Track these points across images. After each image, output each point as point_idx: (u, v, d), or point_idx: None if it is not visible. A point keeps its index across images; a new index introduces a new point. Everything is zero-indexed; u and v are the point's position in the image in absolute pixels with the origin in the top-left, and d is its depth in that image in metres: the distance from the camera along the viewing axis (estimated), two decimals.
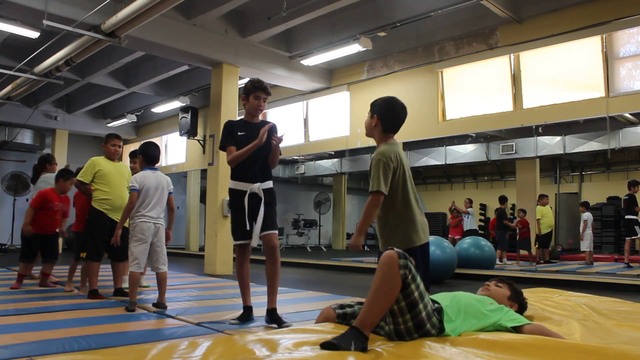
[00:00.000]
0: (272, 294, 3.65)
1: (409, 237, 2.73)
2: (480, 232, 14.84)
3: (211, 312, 4.08)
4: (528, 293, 3.63)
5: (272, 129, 3.63)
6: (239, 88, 9.18)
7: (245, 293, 3.77)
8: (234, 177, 3.72)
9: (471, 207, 11.47)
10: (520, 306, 2.90)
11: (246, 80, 9.92)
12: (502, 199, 10.79)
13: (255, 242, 3.65)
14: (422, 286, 2.31)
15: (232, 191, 3.72)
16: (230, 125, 3.73)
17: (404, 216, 2.75)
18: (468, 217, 11.31)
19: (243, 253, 3.74)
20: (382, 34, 7.95)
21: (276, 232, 3.71)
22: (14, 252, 12.30)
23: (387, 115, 2.86)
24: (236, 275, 3.82)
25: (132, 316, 3.93)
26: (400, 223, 2.75)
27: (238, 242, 3.71)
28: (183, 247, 14.10)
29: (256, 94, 3.70)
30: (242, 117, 3.85)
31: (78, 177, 4.97)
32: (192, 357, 1.91)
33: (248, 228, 3.61)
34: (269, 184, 3.75)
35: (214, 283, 6.55)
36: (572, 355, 1.91)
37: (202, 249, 8.87)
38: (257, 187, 3.65)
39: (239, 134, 3.66)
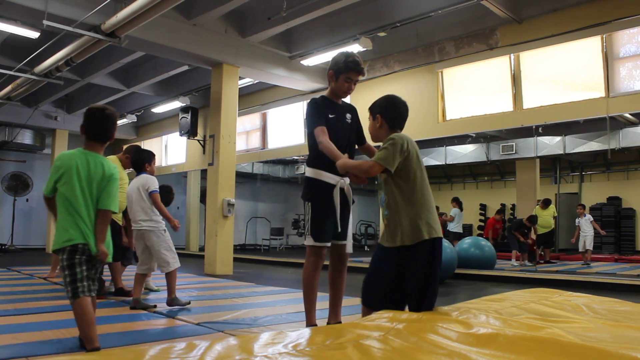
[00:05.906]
0: (337, 306, 3.26)
1: (418, 229, 2.60)
2: (479, 232, 14.88)
3: (211, 312, 4.08)
4: (528, 293, 3.63)
5: (354, 112, 3.35)
6: (243, 87, 9.15)
7: (314, 308, 3.20)
8: (321, 165, 3.11)
9: (458, 207, 11.20)
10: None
11: (246, 80, 10.02)
12: (532, 219, 9.92)
13: (350, 247, 3.26)
14: None
15: (317, 182, 3.15)
16: (317, 104, 3.17)
17: (414, 205, 2.68)
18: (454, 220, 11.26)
19: (322, 257, 3.18)
20: (382, 34, 7.94)
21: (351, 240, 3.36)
22: (14, 252, 12.30)
23: (390, 113, 2.78)
24: (304, 285, 3.19)
25: (132, 316, 3.93)
26: (409, 212, 2.64)
27: (322, 244, 3.17)
28: (183, 247, 14.10)
29: (349, 75, 3.14)
30: (324, 94, 3.30)
31: None
32: (190, 357, 1.91)
33: (340, 230, 3.15)
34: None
35: (214, 283, 6.56)
36: (572, 351, 1.91)
37: (202, 249, 8.86)
38: (347, 182, 3.16)
39: (330, 116, 3.15)
